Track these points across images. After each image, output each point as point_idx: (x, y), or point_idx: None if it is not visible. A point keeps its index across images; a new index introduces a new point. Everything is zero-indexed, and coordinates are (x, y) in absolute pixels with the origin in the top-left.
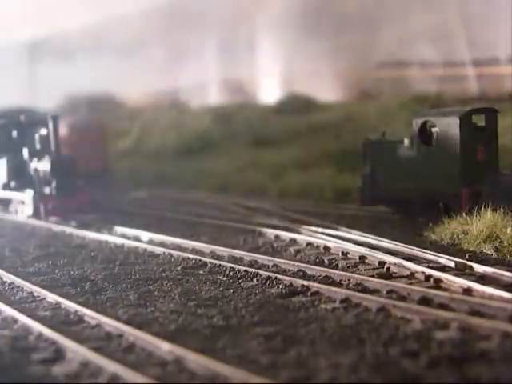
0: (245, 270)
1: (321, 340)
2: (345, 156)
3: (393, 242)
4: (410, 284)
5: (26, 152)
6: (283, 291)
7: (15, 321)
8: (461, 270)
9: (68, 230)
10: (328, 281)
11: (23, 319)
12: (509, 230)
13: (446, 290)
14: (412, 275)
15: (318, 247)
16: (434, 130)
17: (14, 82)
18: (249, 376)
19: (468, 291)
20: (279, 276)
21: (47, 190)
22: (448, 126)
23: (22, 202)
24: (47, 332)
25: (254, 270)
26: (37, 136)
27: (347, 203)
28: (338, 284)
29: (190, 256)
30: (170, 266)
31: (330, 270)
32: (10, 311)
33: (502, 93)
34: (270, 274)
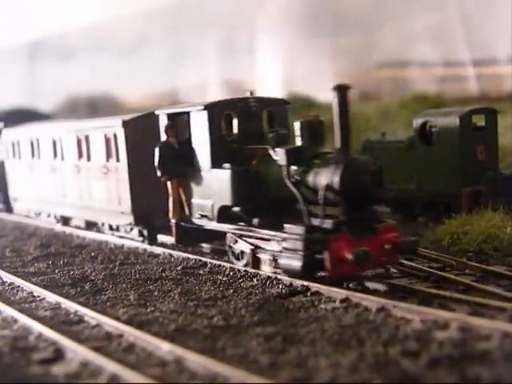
0: (245, 270)
1: (321, 340)
2: None
3: None
4: (410, 284)
5: (281, 155)
6: (283, 291)
7: (15, 321)
8: (461, 270)
9: (68, 230)
10: (328, 281)
11: (23, 319)
12: (509, 229)
13: (446, 289)
14: (412, 275)
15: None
16: (433, 129)
17: (14, 82)
18: (249, 376)
19: (468, 291)
20: (279, 276)
21: (328, 224)
22: (448, 126)
23: (273, 244)
24: (47, 332)
25: (253, 270)
26: (298, 126)
27: None
28: (338, 284)
29: (190, 256)
30: (170, 265)
31: None
32: (10, 311)
33: (502, 93)
34: (270, 274)
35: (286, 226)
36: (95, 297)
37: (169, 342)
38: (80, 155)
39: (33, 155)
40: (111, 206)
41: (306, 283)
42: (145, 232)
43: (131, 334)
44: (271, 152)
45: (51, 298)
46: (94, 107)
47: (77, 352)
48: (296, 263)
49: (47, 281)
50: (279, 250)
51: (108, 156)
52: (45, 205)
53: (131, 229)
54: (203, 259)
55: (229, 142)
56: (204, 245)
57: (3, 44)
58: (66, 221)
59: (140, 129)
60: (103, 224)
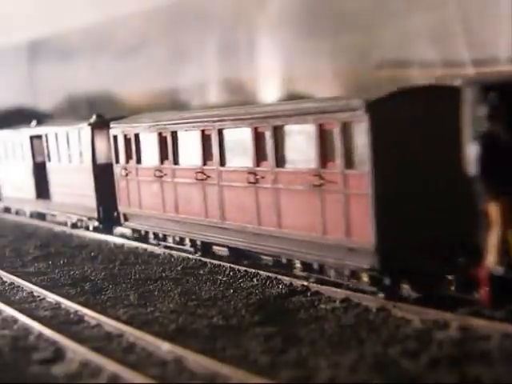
0: (245, 270)
1: (321, 340)
2: None
3: None
4: None
5: None
6: (283, 291)
7: (15, 321)
8: None
9: (68, 230)
10: (328, 281)
11: (23, 319)
12: None
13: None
14: None
15: None
16: None
17: (14, 82)
18: (249, 376)
19: None
20: (279, 276)
21: None
22: None
23: None
24: (47, 332)
25: (253, 270)
26: None
27: None
28: (338, 284)
29: (190, 256)
30: (170, 265)
31: None
32: (9, 311)
33: None
34: (270, 274)
35: None
36: (95, 297)
37: (169, 342)
38: (260, 157)
39: (163, 157)
40: (326, 236)
41: (306, 283)
42: (386, 280)
43: (131, 333)
44: None
45: (51, 297)
46: (93, 107)
47: (77, 352)
48: None
49: (47, 281)
50: None
51: (324, 159)
52: (180, 227)
53: (352, 273)
54: (203, 259)
55: None
56: None
57: (3, 44)
58: (206, 248)
59: (396, 115)
60: (291, 260)
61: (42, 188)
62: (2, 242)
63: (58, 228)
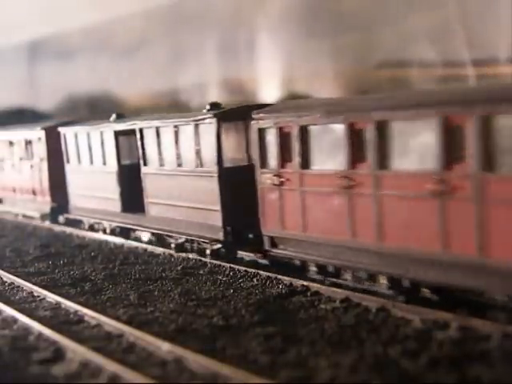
0: (245, 270)
1: (321, 340)
2: None
3: None
4: None
5: None
6: (283, 291)
7: (15, 321)
8: None
9: (68, 229)
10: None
11: (23, 319)
12: None
13: None
14: None
15: None
16: None
17: (14, 82)
18: (249, 376)
19: None
20: (279, 276)
21: None
22: None
23: None
24: (47, 332)
25: (253, 270)
26: None
27: None
28: (338, 284)
29: (190, 256)
30: (170, 265)
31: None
32: (9, 311)
33: None
34: (270, 274)
35: None
36: (95, 297)
37: (169, 342)
38: None
39: (356, 159)
40: None
41: (306, 283)
42: None
43: (131, 333)
44: None
45: (51, 297)
46: (93, 107)
47: (77, 352)
48: None
49: (47, 281)
50: None
51: None
52: (382, 260)
53: None
54: (203, 259)
55: None
56: None
57: (3, 44)
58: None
59: None
60: None
61: (132, 198)
62: (2, 242)
63: (58, 228)
